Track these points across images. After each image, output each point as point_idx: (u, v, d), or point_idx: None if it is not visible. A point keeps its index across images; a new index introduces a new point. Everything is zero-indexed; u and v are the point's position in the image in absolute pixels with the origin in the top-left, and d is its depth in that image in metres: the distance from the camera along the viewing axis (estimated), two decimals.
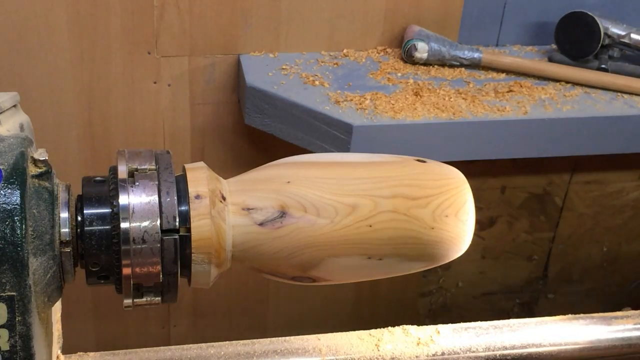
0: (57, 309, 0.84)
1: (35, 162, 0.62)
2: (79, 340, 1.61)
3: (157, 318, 1.68)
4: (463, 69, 1.42)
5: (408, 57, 1.41)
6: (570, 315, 1.00)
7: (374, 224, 0.66)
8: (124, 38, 1.34)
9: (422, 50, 1.37)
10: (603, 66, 1.42)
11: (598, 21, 1.40)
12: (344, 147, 1.25)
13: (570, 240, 1.78)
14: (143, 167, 0.65)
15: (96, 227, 0.63)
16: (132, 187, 0.63)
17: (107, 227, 0.63)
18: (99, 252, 0.63)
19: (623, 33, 1.42)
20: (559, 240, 1.77)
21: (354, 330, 0.95)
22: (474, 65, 1.42)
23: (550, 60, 1.46)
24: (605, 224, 1.77)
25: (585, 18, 1.41)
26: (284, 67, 1.37)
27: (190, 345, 0.92)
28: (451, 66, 1.42)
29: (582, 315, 1.00)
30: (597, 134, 1.35)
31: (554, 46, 1.50)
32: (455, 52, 1.40)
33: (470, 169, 1.29)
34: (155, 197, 0.63)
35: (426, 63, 1.42)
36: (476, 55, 1.41)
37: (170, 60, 1.38)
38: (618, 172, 1.69)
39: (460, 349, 0.94)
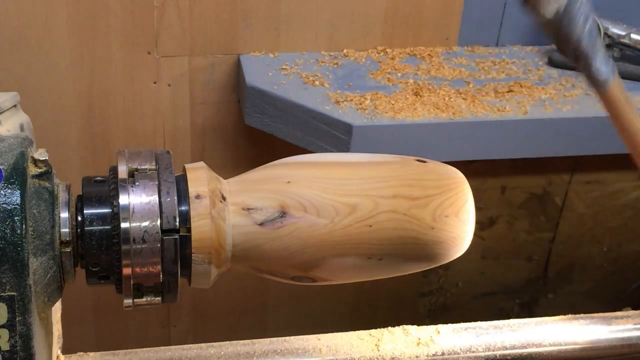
0: (57, 309, 0.84)
1: (35, 162, 0.62)
2: (79, 340, 1.61)
3: (157, 318, 1.68)
4: (463, 69, 1.42)
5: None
6: (570, 315, 1.00)
7: (374, 224, 0.66)
8: (124, 38, 1.34)
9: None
10: None
11: (598, 21, 1.39)
12: (344, 147, 1.25)
13: (570, 240, 1.78)
14: (143, 167, 0.65)
15: (96, 227, 0.63)
16: (132, 187, 0.63)
17: (108, 227, 0.63)
18: (99, 252, 0.63)
19: (623, 33, 1.42)
20: (559, 240, 1.77)
21: (354, 330, 0.95)
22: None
23: (550, 60, 1.46)
24: (605, 224, 1.77)
25: None
26: (284, 67, 1.37)
27: (190, 345, 0.92)
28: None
29: (582, 315, 1.00)
30: (597, 134, 1.35)
31: (554, 46, 1.50)
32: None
33: (470, 169, 1.29)
34: (156, 197, 0.63)
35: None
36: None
37: (170, 60, 1.38)
38: (618, 172, 1.69)
39: (460, 349, 0.94)
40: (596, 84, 0.71)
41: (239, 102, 1.44)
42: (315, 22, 1.41)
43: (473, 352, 0.94)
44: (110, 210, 0.63)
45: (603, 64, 0.70)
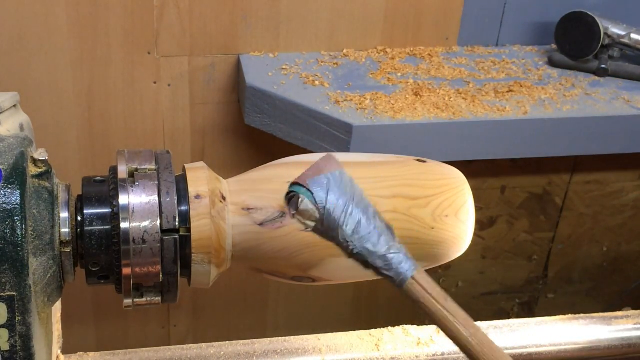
0: (57, 309, 0.84)
1: (35, 162, 0.62)
2: (79, 340, 1.61)
3: (157, 318, 1.68)
4: (463, 69, 1.42)
5: None
6: (570, 315, 1.00)
7: None
8: (124, 38, 1.34)
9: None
10: (603, 66, 1.42)
11: (598, 21, 1.40)
12: (344, 147, 1.25)
13: (570, 240, 1.78)
14: (143, 167, 0.65)
15: (96, 227, 0.63)
16: (132, 187, 0.63)
17: (107, 227, 0.63)
18: (99, 252, 0.63)
19: (623, 33, 1.42)
20: (559, 240, 1.77)
21: (354, 330, 0.95)
22: None
23: (550, 60, 1.46)
24: (605, 224, 1.77)
25: (585, 18, 1.41)
26: (284, 67, 1.37)
27: (190, 345, 0.92)
28: None
29: (582, 315, 1.00)
30: (597, 134, 1.35)
31: (554, 46, 1.50)
32: None
33: (470, 169, 1.29)
34: (155, 197, 0.63)
35: None
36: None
37: (170, 60, 1.38)
38: (618, 172, 1.69)
39: None
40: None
41: (239, 102, 1.44)
42: (315, 22, 1.41)
43: None
44: (110, 210, 0.63)
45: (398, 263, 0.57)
